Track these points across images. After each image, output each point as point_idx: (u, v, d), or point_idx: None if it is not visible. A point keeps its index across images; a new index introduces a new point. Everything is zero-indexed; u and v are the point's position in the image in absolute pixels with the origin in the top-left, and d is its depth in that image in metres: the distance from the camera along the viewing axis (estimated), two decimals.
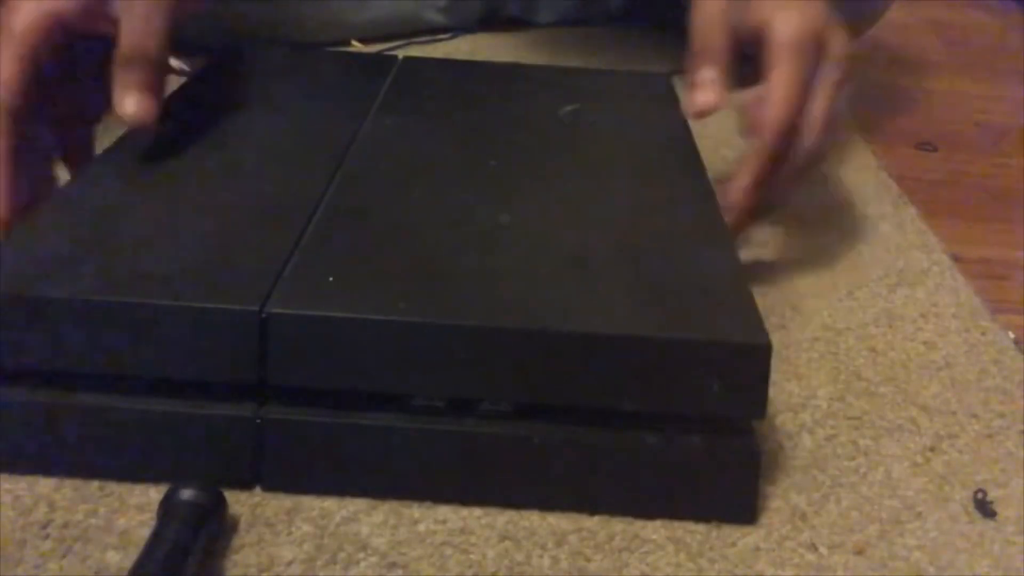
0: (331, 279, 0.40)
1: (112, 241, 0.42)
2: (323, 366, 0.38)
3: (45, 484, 0.40)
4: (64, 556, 0.37)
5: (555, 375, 0.39)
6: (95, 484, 0.40)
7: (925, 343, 0.53)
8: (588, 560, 0.38)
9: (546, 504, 0.40)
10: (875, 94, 0.93)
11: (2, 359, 0.39)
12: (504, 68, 0.72)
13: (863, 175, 0.73)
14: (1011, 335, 0.54)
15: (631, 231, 0.46)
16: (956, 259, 0.62)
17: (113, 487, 0.40)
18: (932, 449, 0.45)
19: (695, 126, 0.57)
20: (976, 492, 0.43)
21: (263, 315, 0.38)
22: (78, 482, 0.40)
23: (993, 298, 0.58)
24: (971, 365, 0.52)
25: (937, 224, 0.66)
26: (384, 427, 0.39)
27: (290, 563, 0.37)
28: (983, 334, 0.54)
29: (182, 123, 0.54)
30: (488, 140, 0.55)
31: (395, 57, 0.66)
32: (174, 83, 0.80)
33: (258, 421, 0.39)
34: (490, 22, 0.97)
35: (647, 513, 0.40)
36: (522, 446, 0.39)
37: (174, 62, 0.82)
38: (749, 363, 0.39)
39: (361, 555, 0.38)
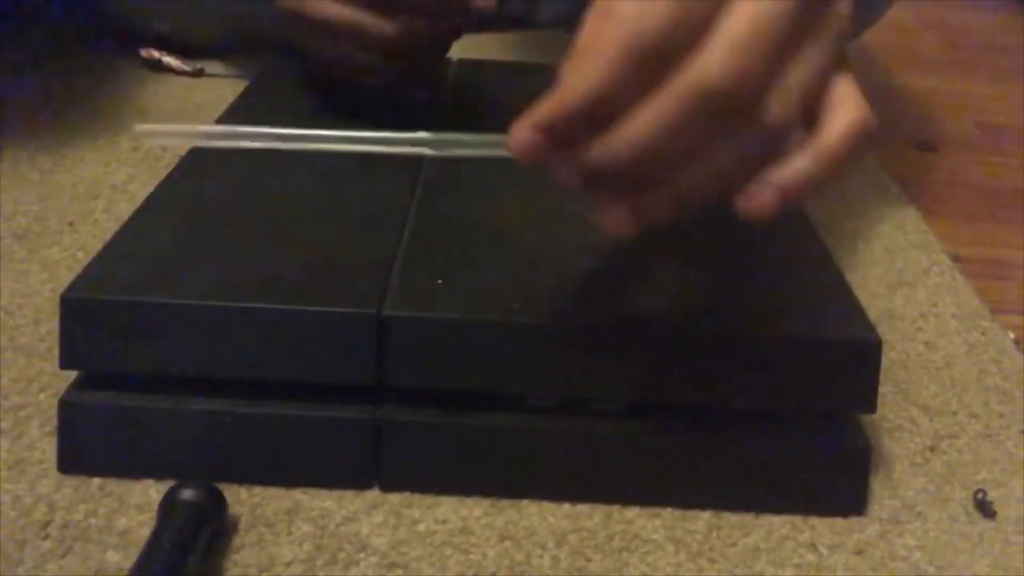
0: (439, 282, 0.41)
1: (216, 247, 0.43)
2: (439, 367, 0.39)
3: (45, 484, 0.40)
4: (64, 556, 0.37)
5: (667, 373, 0.39)
6: (95, 484, 0.40)
7: (925, 343, 0.53)
8: (588, 560, 0.38)
9: (659, 501, 0.41)
10: (875, 94, 0.93)
11: (120, 365, 0.40)
12: (558, 69, 0.72)
13: (863, 175, 0.73)
14: (1011, 335, 0.54)
15: (719, 229, 0.47)
16: (956, 259, 0.62)
17: (113, 487, 0.40)
18: (932, 449, 0.45)
19: None
20: (976, 492, 0.43)
21: (381, 318, 0.39)
22: (78, 482, 0.40)
23: (993, 298, 0.58)
24: (971, 365, 0.52)
25: (937, 224, 0.66)
26: (499, 427, 0.40)
27: (290, 563, 0.37)
28: (983, 334, 0.54)
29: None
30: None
31: (449, 59, 0.67)
32: (181, 84, 0.80)
33: (376, 422, 0.40)
34: (490, 22, 0.97)
35: (758, 508, 0.41)
36: (635, 444, 0.40)
37: (175, 62, 0.82)
38: (861, 360, 0.40)
39: (361, 555, 0.38)
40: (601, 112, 0.33)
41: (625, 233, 0.34)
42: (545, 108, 0.34)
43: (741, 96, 0.32)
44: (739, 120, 0.32)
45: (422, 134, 0.38)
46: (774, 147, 0.34)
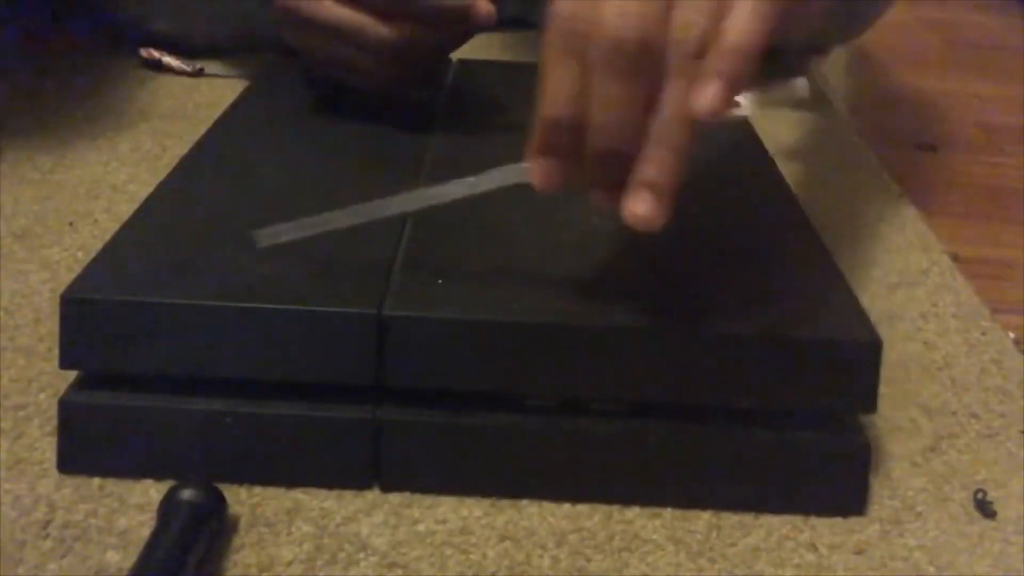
0: (440, 282, 0.41)
1: (216, 247, 0.43)
2: (439, 367, 0.39)
3: (45, 484, 0.40)
4: (64, 556, 0.37)
5: (668, 374, 0.39)
6: (95, 484, 0.40)
7: (925, 343, 0.53)
8: (588, 560, 0.38)
9: (659, 501, 0.41)
10: (875, 94, 0.93)
11: (120, 365, 0.40)
12: None
13: (863, 175, 0.73)
14: (1011, 335, 0.54)
15: (721, 231, 0.47)
16: (956, 259, 0.62)
17: (113, 487, 0.40)
18: (932, 449, 0.45)
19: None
20: (976, 492, 0.43)
21: (381, 318, 0.39)
22: (78, 482, 0.40)
23: (993, 298, 0.58)
24: (971, 365, 0.52)
25: (937, 224, 0.66)
26: (499, 427, 0.40)
27: (290, 563, 0.37)
28: (983, 334, 0.54)
29: (256, 130, 0.55)
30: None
31: (449, 59, 0.67)
32: (181, 84, 0.80)
33: (376, 422, 0.40)
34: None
35: (758, 508, 0.41)
36: (635, 445, 0.40)
37: (175, 62, 0.82)
38: (861, 360, 0.40)
39: (361, 555, 0.38)
40: (572, 109, 0.37)
41: (652, 217, 0.37)
42: (536, 131, 0.38)
43: (641, 37, 0.36)
44: (659, 58, 0.36)
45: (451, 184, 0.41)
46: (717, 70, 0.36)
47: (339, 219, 0.42)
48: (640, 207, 0.37)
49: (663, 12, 0.36)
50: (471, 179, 0.40)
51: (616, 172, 0.37)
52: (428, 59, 0.59)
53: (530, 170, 0.38)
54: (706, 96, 0.36)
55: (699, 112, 0.36)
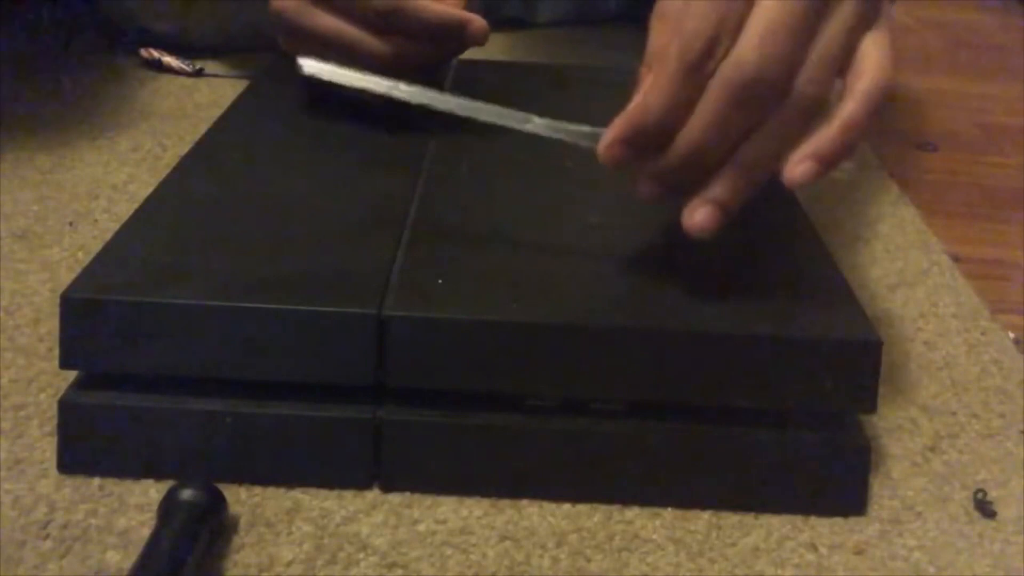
0: (440, 282, 0.41)
1: (216, 247, 0.43)
2: (439, 367, 0.39)
3: (45, 484, 0.40)
4: (64, 556, 0.37)
5: (668, 374, 0.39)
6: (95, 484, 0.40)
7: (925, 343, 0.53)
8: (588, 560, 0.38)
9: (659, 501, 0.41)
10: None
11: (120, 365, 0.40)
12: (558, 69, 0.72)
13: (863, 175, 0.73)
14: (1011, 335, 0.54)
15: (721, 231, 0.47)
16: (956, 259, 0.62)
17: (113, 487, 0.40)
18: (932, 449, 0.45)
19: None
20: (976, 492, 0.43)
21: (381, 318, 0.39)
22: (78, 482, 0.40)
23: (993, 298, 0.58)
24: (971, 365, 0.52)
25: (937, 224, 0.66)
26: (499, 427, 0.40)
27: (290, 563, 0.37)
28: (983, 334, 0.54)
29: (256, 130, 0.55)
30: (557, 141, 0.56)
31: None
32: (181, 84, 0.80)
33: (376, 422, 0.40)
34: (489, 22, 0.97)
35: (759, 508, 0.41)
36: (635, 444, 0.40)
37: (175, 62, 0.82)
38: (861, 360, 0.40)
39: (361, 555, 0.38)
40: (671, 117, 0.38)
41: (712, 229, 0.39)
42: (627, 123, 0.39)
43: (774, 79, 0.36)
44: (778, 100, 0.37)
45: (534, 118, 0.43)
46: (816, 114, 0.37)
47: (383, 85, 0.44)
48: (700, 218, 0.39)
49: (798, 56, 0.37)
50: (537, 120, 0.42)
51: (685, 176, 0.39)
52: (421, 72, 0.59)
53: (602, 147, 0.39)
54: (802, 171, 0.37)
55: (790, 182, 0.37)
